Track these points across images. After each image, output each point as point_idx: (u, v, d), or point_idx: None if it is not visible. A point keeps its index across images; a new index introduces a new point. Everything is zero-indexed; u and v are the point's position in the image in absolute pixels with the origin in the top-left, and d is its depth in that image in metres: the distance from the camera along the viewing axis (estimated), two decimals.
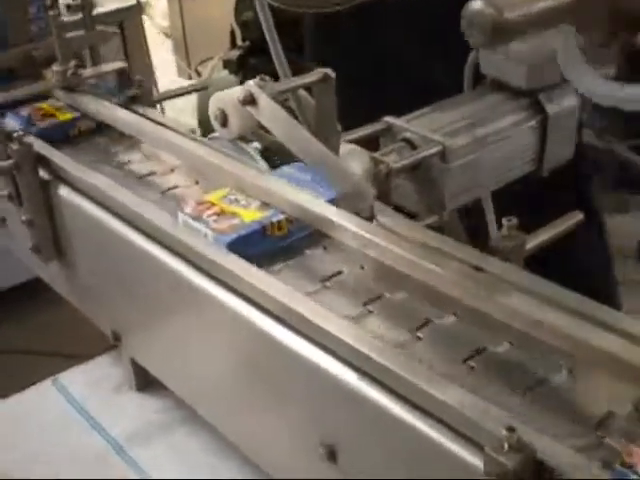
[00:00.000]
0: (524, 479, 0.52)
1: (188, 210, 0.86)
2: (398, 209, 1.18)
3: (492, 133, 1.17)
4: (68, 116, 1.12)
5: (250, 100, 0.90)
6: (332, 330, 0.67)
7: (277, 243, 0.84)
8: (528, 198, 1.26)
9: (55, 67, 1.09)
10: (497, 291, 0.67)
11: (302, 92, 0.98)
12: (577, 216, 0.88)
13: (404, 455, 0.63)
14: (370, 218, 0.84)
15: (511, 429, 0.52)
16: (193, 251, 0.81)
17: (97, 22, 2.15)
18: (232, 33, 2.77)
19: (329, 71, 0.95)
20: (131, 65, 2.32)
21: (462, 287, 0.69)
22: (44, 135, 1.07)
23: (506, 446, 0.52)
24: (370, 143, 1.21)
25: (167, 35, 3.86)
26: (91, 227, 0.97)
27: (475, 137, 1.16)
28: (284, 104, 0.99)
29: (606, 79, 0.71)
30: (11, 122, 1.11)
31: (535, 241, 0.82)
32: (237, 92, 0.92)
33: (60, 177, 1.01)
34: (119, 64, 1.15)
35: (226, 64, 2.70)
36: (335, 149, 0.98)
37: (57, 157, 1.01)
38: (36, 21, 1.18)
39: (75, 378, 1.08)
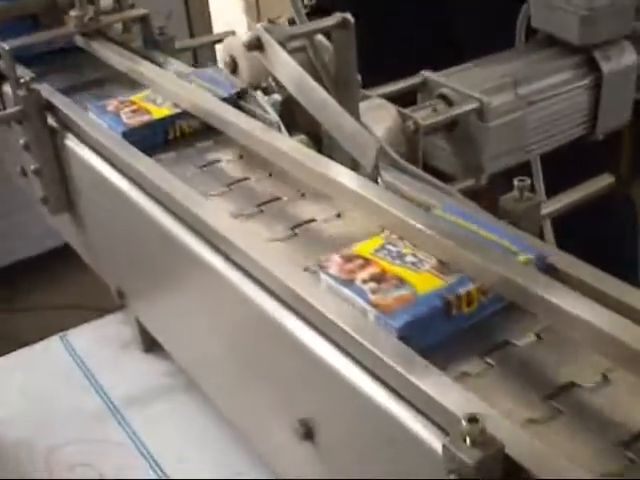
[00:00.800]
0: (491, 479, 0.45)
1: (333, 271, 0.62)
2: (435, 171, 1.11)
3: (538, 91, 1.08)
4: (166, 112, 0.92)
5: (256, 45, 0.83)
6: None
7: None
8: (578, 163, 1.15)
9: (73, 12, 1.05)
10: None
11: (320, 38, 0.91)
12: (607, 179, 0.79)
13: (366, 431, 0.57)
14: (374, 175, 0.76)
15: (473, 419, 0.45)
16: (197, 219, 0.74)
17: None
18: None
19: (348, 16, 0.87)
20: (190, 20, 2.29)
21: None
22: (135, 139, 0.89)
23: (468, 440, 0.45)
24: (408, 99, 1.14)
25: None
26: (97, 182, 0.92)
27: (518, 95, 1.07)
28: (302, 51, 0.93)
29: None
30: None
31: (557, 205, 0.73)
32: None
33: (67, 126, 0.96)
34: (141, 11, 1.10)
35: (291, 23, 2.63)
36: (354, 100, 0.90)
37: (64, 105, 0.96)
38: None
39: (84, 335, 1.04)
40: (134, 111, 0.92)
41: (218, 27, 2.47)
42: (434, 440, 0.50)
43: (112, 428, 0.90)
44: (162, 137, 0.91)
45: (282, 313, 0.64)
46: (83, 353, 1.00)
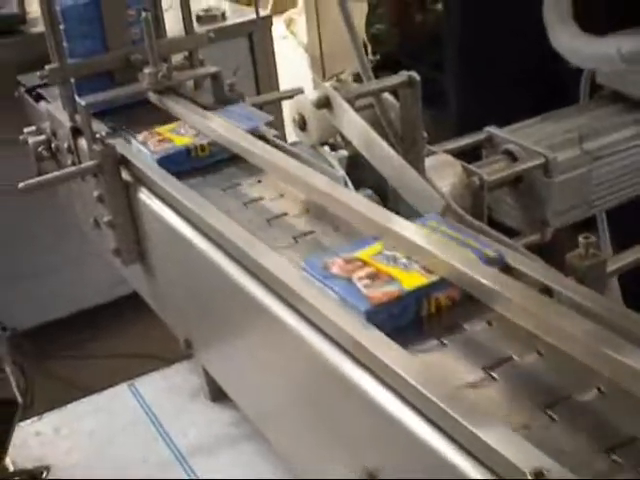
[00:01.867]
0: None
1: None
2: (499, 226, 1.11)
3: (604, 147, 1.08)
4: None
5: (324, 103, 0.85)
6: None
7: None
8: None
9: (146, 70, 1.09)
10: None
11: (386, 95, 0.93)
12: None
13: None
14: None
15: (540, 474, 0.45)
16: (267, 271, 0.75)
17: (227, 33, 2.20)
18: (364, 47, 2.74)
19: (414, 74, 0.89)
20: (257, 76, 2.34)
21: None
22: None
23: None
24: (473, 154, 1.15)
25: (307, 50, 3.89)
26: (168, 234, 0.94)
27: (584, 150, 1.07)
28: (369, 108, 0.95)
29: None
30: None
31: (623, 261, 0.73)
32: None
33: (141, 180, 0.99)
34: (212, 68, 1.13)
35: (356, 78, 2.67)
36: (420, 156, 0.92)
37: (138, 159, 0.99)
38: (137, 25, 1.17)
39: (152, 383, 1.06)
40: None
41: (284, 82, 2.52)
42: None
43: (178, 476, 0.91)
44: None
45: (350, 367, 0.64)
46: (151, 401, 1.02)
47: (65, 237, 1.97)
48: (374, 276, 0.68)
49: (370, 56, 2.70)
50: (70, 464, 0.94)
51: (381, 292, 0.66)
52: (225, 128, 1.00)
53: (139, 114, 1.17)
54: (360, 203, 0.79)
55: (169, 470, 0.91)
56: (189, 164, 1.00)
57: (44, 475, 0.93)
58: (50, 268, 2.11)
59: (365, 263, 0.71)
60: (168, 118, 1.09)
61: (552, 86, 1.36)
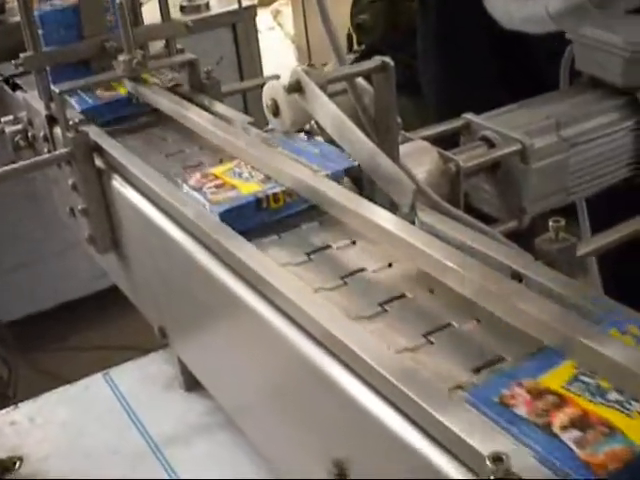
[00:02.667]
0: None
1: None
2: (478, 213, 1.11)
3: (581, 133, 1.08)
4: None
5: (296, 88, 0.84)
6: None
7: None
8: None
9: (121, 57, 1.07)
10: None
11: (360, 81, 0.92)
12: None
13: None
14: (411, 216, 0.76)
15: (498, 458, 0.44)
16: (243, 264, 0.73)
17: (210, 23, 2.19)
18: (349, 37, 2.73)
19: (388, 59, 0.88)
20: (241, 67, 2.33)
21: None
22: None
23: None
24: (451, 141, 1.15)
25: (294, 41, 3.88)
26: (141, 222, 0.94)
27: (561, 137, 1.07)
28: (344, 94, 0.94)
29: None
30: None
31: (594, 245, 0.72)
32: None
33: (114, 168, 0.98)
34: (189, 56, 1.12)
35: None
36: (394, 142, 0.91)
37: (111, 146, 0.98)
38: (113, 12, 1.16)
39: (127, 373, 1.05)
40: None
41: (270, 73, 2.51)
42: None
43: (152, 466, 0.90)
44: None
45: (322, 357, 0.63)
46: (125, 391, 1.01)
47: (48, 229, 1.96)
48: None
49: (355, 46, 2.70)
50: (43, 454, 0.93)
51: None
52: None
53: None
54: (340, 194, 0.77)
55: (142, 460, 0.90)
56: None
57: (17, 466, 0.92)
58: (33, 260, 2.10)
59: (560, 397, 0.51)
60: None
61: (531, 74, 1.36)
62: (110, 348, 2.05)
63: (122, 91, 1.14)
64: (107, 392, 1.02)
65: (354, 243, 0.78)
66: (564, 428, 0.49)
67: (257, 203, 0.79)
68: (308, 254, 0.76)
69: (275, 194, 0.80)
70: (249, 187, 0.81)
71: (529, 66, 1.39)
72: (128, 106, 1.12)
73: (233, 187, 0.81)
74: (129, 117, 1.12)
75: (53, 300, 2.16)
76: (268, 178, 0.82)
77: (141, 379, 1.04)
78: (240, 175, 0.83)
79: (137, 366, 1.06)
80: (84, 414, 0.99)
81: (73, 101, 1.13)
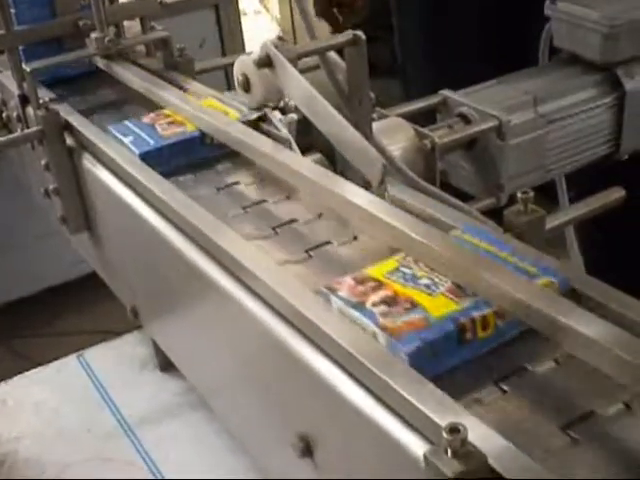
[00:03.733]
0: None
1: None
2: (458, 192, 1.10)
3: (559, 110, 1.07)
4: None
5: (266, 62, 0.83)
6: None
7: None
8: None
9: (93, 34, 1.06)
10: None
11: (333, 56, 0.90)
12: (617, 193, 0.77)
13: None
14: (381, 191, 0.75)
15: (455, 429, 0.43)
16: (209, 240, 0.72)
17: (192, 4, 2.17)
18: (335, 17, 2.71)
19: (360, 33, 0.87)
20: (224, 49, 2.31)
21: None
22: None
23: (449, 451, 0.43)
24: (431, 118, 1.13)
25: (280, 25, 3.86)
26: (112, 201, 0.92)
27: (538, 113, 1.06)
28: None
29: None
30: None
31: (564, 218, 0.71)
32: None
33: (85, 146, 0.97)
34: (161, 33, 1.11)
35: None
36: (367, 117, 0.90)
37: (82, 125, 0.97)
38: None
39: (101, 354, 1.04)
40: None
41: None
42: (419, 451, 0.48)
43: (124, 446, 0.89)
44: None
45: (289, 334, 0.62)
46: (99, 372, 1.00)
47: (27, 215, 1.94)
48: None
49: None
50: (14, 435, 0.92)
51: None
52: None
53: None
54: (309, 170, 0.77)
55: (114, 440, 0.89)
56: None
57: None
58: (13, 246, 2.08)
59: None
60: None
61: (512, 50, 1.35)
62: (96, 333, 2.03)
63: (190, 127, 0.91)
64: (80, 373, 1.01)
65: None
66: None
67: (458, 333, 0.56)
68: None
69: (484, 317, 0.57)
70: (439, 304, 0.58)
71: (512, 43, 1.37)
72: (201, 147, 0.91)
73: (413, 303, 0.58)
74: (202, 162, 0.91)
75: (34, 286, 2.14)
76: (458, 286, 0.59)
77: (115, 360, 1.03)
78: (413, 280, 0.62)
79: (111, 347, 1.05)
80: (57, 395, 0.98)
81: (128, 141, 0.90)
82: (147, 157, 0.88)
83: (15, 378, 1.02)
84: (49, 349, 1.99)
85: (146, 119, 0.95)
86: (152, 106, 1.01)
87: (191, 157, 0.91)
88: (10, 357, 2.04)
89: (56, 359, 1.10)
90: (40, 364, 1.41)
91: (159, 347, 0.97)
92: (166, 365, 0.99)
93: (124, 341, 1.06)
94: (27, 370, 1.09)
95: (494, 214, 0.93)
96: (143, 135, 0.92)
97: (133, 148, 0.90)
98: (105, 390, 0.97)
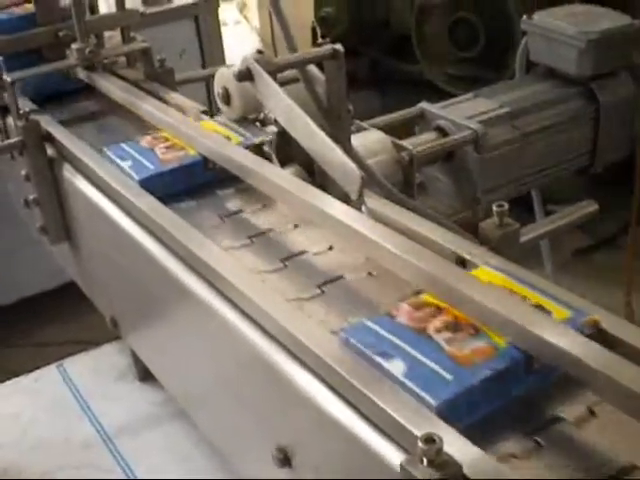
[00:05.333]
0: None
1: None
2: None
3: (535, 123, 1.08)
4: None
5: (246, 75, 0.84)
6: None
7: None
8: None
9: (74, 45, 1.06)
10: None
11: (313, 69, 0.91)
12: (591, 206, 0.78)
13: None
14: (358, 202, 0.76)
15: (430, 440, 0.44)
16: (187, 250, 0.73)
17: (172, 14, 2.17)
18: (313, 30, 2.72)
19: (339, 46, 0.88)
20: (204, 59, 2.31)
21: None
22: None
23: (425, 460, 0.44)
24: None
25: (259, 35, 3.87)
26: (91, 212, 0.92)
27: (515, 127, 1.07)
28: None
29: None
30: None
31: (539, 231, 0.73)
32: None
33: (65, 157, 0.97)
34: (142, 44, 1.11)
35: None
36: (345, 130, 0.91)
37: (63, 136, 0.97)
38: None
39: (80, 364, 1.04)
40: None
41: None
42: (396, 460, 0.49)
43: (102, 456, 0.89)
44: None
45: (267, 344, 0.63)
46: (78, 382, 1.00)
47: (5, 224, 1.92)
48: None
49: (320, 39, 2.68)
50: None
51: None
52: None
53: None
54: (289, 182, 0.77)
55: (93, 449, 0.90)
56: None
57: None
58: None
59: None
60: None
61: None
62: (76, 343, 2.02)
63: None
64: (60, 383, 1.01)
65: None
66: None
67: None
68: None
69: None
70: None
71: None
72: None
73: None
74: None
75: (13, 295, 2.12)
76: None
77: (94, 370, 1.03)
78: None
79: (90, 357, 1.05)
80: (36, 405, 0.98)
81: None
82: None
83: None
84: (28, 359, 1.98)
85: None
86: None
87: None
88: None
89: (36, 369, 1.10)
90: (18, 375, 1.41)
91: (138, 357, 0.97)
92: (145, 375, 1.00)
93: (103, 351, 1.06)
94: (5, 380, 1.09)
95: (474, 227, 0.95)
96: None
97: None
98: (84, 400, 0.97)
